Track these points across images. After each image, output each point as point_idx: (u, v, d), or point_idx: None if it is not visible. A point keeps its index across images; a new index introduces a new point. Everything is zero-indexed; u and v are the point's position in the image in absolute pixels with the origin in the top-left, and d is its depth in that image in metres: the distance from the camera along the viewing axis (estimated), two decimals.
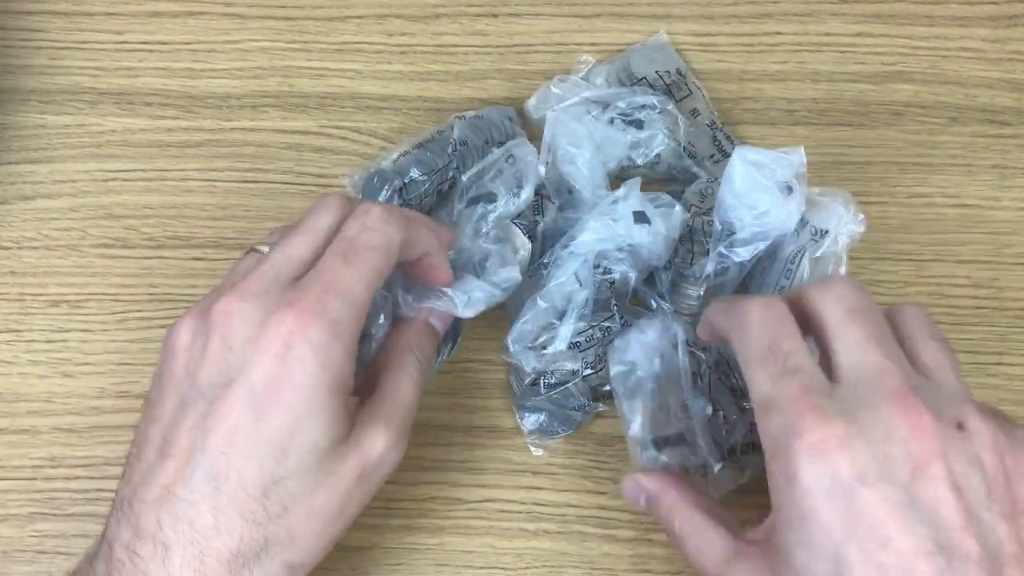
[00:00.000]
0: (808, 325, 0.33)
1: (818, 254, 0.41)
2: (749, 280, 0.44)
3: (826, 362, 0.32)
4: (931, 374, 0.32)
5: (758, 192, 0.40)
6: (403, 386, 0.37)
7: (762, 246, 0.41)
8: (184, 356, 0.34)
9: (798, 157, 0.41)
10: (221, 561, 0.32)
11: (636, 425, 0.39)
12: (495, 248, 0.42)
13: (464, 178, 0.44)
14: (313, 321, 0.33)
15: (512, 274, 0.41)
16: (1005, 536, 0.29)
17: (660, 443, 0.39)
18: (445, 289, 0.40)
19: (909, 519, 0.28)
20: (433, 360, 0.40)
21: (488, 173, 0.43)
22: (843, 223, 0.41)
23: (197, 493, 0.32)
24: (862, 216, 0.41)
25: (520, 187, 0.43)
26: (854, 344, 0.31)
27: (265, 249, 0.37)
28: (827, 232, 0.41)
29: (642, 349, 0.40)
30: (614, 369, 0.40)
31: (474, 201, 0.43)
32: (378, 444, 0.34)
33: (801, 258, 0.41)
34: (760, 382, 0.32)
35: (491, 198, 0.43)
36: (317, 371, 0.32)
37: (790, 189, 0.40)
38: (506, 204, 0.43)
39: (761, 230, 0.41)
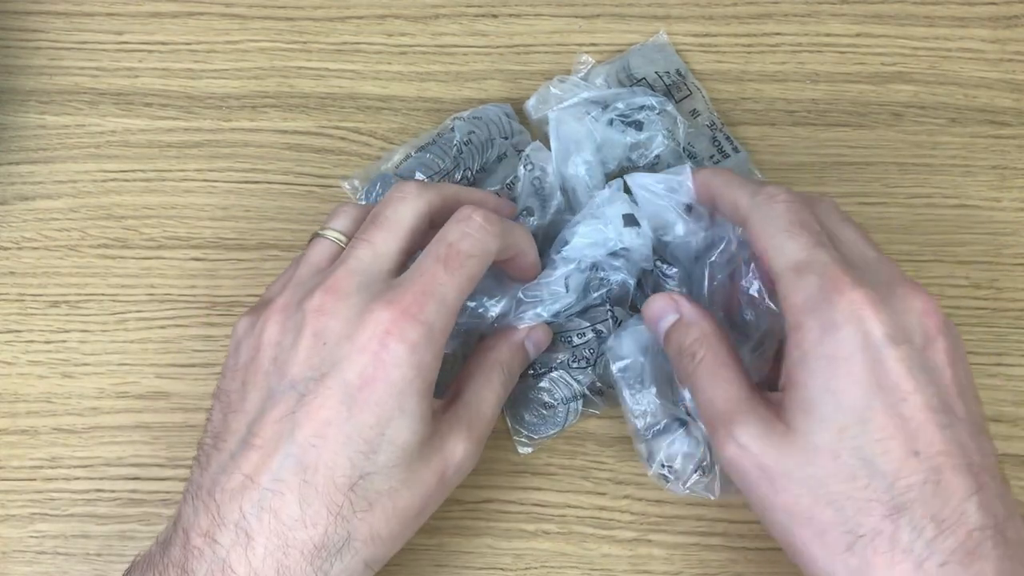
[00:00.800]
0: None
1: (712, 258, 0.41)
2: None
3: None
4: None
5: (664, 211, 0.41)
6: (486, 399, 0.38)
7: (684, 257, 0.42)
8: (273, 350, 0.34)
9: (684, 177, 0.40)
10: (304, 553, 0.32)
11: (640, 415, 0.39)
12: None
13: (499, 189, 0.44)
14: (410, 322, 0.33)
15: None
16: (976, 411, 0.33)
17: (665, 429, 0.39)
18: (474, 303, 0.40)
19: (922, 379, 0.32)
20: (516, 380, 0.41)
21: (515, 182, 0.44)
22: (735, 229, 0.40)
23: (283, 484, 0.32)
24: None
25: (545, 200, 0.44)
26: (853, 241, 0.36)
27: (332, 235, 0.38)
28: (723, 238, 0.41)
29: (638, 345, 0.40)
30: (615, 365, 0.40)
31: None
32: (459, 450, 0.35)
33: (704, 267, 0.41)
34: (792, 249, 0.34)
35: (529, 212, 0.44)
36: (410, 372, 0.33)
37: (690, 208, 0.41)
38: (540, 218, 0.44)
39: (683, 242, 0.41)
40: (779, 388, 0.35)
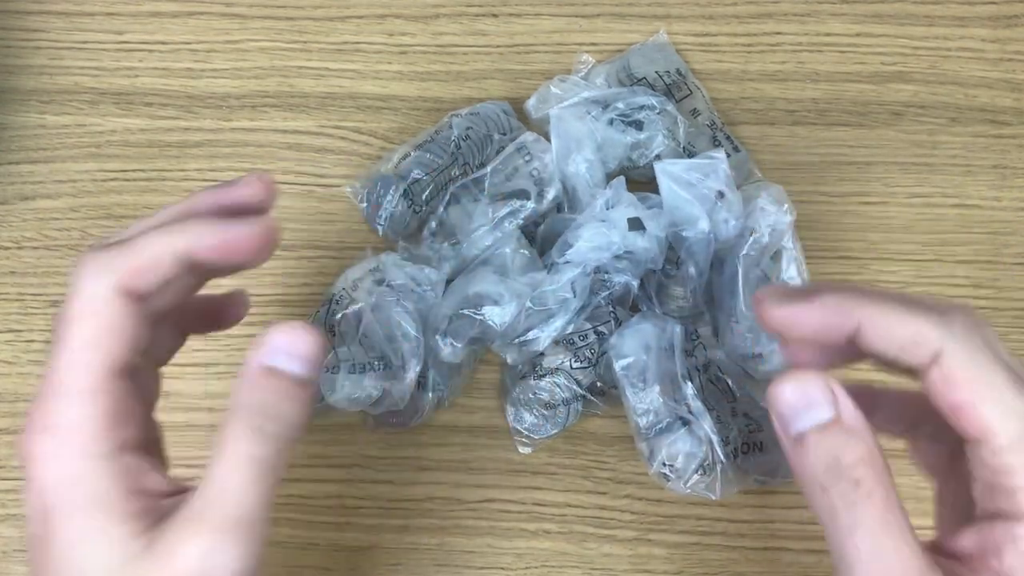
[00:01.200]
0: None
1: (744, 251, 0.41)
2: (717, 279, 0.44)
3: None
4: None
5: (688, 204, 0.40)
6: (227, 468, 0.27)
7: (711, 248, 0.42)
8: None
9: (720, 162, 0.40)
10: None
11: (643, 413, 0.39)
12: (523, 251, 0.42)
13: (489, 169, 0.44)
14: (29, 437, 0.28)
15: (540, 275, 0.41)
16: None
17: (667, 428, 0.39)
18: (483, 313, 0.39)
19: None
20: (290, 419, 0.28)
21: (508, 168, 0.43)
22: (766, 217, 0.40)
23: None
24: (787, 206, 0.40)
25: (543, 187, 0.43)
26: None
27: None
28: (754, 229, 0.41)
29: (641, 343, 0.40)
30: (618, 364, 0.40)
31: (502, 197, 0.43)
32: (191, 552, 0.26)
33: (737, 260, 0.41)
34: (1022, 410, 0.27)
35: (523, 195, 0.43)
36: (58, 491, 0.27)
37: (722, 195, 0.40)
38: (536, 203, 0.43)
39: (703, 237, 0.41)
40: (947, 549, 0.29)
